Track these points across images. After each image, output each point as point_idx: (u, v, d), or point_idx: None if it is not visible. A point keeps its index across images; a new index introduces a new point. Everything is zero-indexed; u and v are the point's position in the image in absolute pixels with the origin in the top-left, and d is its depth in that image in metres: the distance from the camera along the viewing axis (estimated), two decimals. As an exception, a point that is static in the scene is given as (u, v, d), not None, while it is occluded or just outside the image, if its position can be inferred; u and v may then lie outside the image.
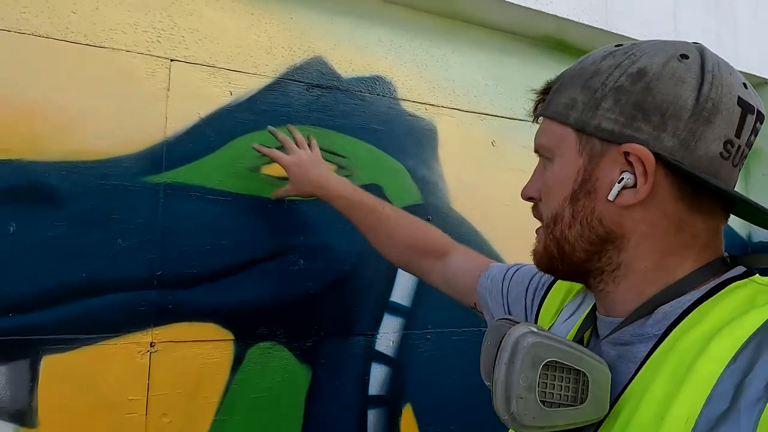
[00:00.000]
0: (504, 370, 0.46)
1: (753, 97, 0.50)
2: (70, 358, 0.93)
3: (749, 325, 0.44)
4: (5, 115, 0.92)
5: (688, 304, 0.49)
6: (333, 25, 1.24)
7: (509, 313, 0.77)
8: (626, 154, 0.48)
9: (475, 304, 0.86)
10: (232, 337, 1.06)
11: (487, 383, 0.54)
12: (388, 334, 1.22)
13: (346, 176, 1.20)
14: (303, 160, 1.04)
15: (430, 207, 1.30)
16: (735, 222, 1.81)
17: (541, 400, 0.46)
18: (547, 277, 0.74)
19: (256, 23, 1.15)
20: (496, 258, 1.37)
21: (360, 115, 1.24)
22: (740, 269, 0.51)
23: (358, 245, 1.20)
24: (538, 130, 0.57)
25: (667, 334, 0.48)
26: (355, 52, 1.26)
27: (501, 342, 0.49)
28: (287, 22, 1.19)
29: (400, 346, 1.23)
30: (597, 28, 1.47)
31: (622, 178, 0.49)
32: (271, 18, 1.17)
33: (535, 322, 0.71)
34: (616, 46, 0.52)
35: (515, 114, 1.45)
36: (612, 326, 0.52)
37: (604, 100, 0.50)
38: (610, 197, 0.49)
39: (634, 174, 0.48)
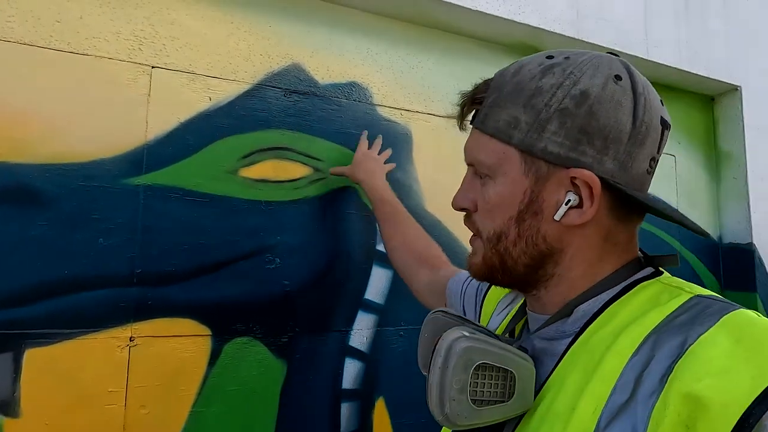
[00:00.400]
0: (438, 373, 0.48)
1: (666, 113, 0.54)
2: (52, 352, 0.98)
3: (649, 322, 0.48)
4: (-9, 120, 0.97)
5: (602, 303, 0.53)
6: (310, 34, 1.28)
7: (464, 312, 0.83)
8: (573, 178, 0.51)
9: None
10: (210, 333, 1.11)
11: (425, 373, 0.57)
12: (362, 331, 1.27)
13: (322, 179, 1.26)
14: (370, 154, 1.24)
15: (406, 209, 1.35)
16: (708, 224, 1.87)
17: (472, 400, 0.48)
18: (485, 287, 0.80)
19: (235, 32, 1.20)
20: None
21: (336, 120, 1.29)
22: (649, 270, 0.55)
23: (332, 245, 1.25)
24: (471, 143, 0.56)
25: (583, 331, 0.52)
26: (332, 59, 1.31)
27: (436, 344, 0.50)
28: (266, 30, 1.23)
29: (373, 342, 1.28)
30: (569, 37, 1.53)
31: (569, 200, 0.51)
32: (249, 26, 1.22)
33: (479, 318, 0.77)
34: (547, 57, 0.53)
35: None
36: (540, 322, 0.57)
37: (549, 123, 0.50)
38: (557, 218, 0.51)
39: (579, 195, 0.51)
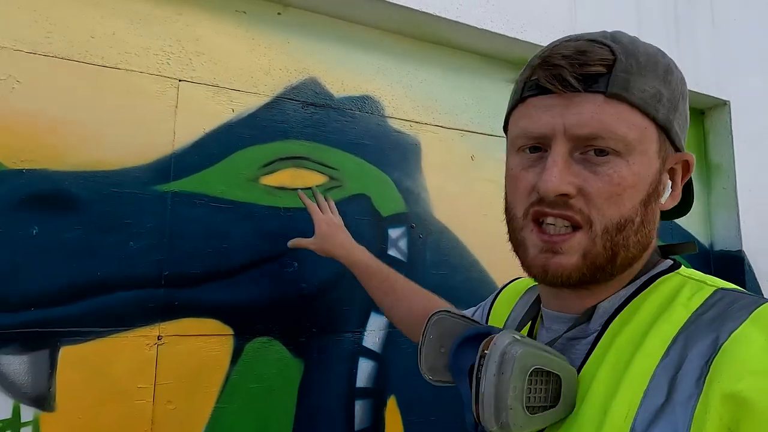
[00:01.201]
0: (494, 381, 0.45)
1: None
2: (86, 349, 1.03)
3: (677, 319, 0.46)
4: (31, 129, 1.03)
5: (622, 299, 0.51)
6: (327, 50, 1.36)
7: None
8: (685, 162, 0.51)
9: None
10: (232, 333, 1.16)
11: (429, 377, 0.56)
12: (374, 332, 1.33)
13: (337, 187, 1.32)
14: (334, 222, 1.13)
15: (413, 215, 1.42)
16: (699, 232, 1.95)
17: (527, 407, 0.45)
18: (492, 297, 0.78)
19: (257, 47, 1.27)
20: (474, 262, 1.50)
21: (350, 131, 1.36)
22: (668, 262, 0.54)
23: (347, 250, 1.31)
24: (598, 112, 0.46)
25: (605, 330, 0.50)
26: (346, 74, 1.38)
27: (482, 352, 0.47)
28: (285, 46, 1.31)
29: (385, 342, 1.34)
30: (567, 54, 1.61)
31: (669, 184, 0.51)
32: (270, 42, 1.29)
33: (486, 321, 0.75)
34: (631, 37, 0.52)
35: (493, 131, 1.58)
36: (559, 320, 0.55)
37: (680, 103, 0.49)
38: (663, 201, 0.50)
39: (671, 179, 0.51)
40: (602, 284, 0.51)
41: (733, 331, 0.42)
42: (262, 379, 1.18)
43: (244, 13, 1.26)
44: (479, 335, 0.52)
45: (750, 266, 1.97)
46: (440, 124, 1.50)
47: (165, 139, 1.14)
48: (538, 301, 0.60)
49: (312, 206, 1.14)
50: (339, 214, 1.19)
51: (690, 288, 0.49)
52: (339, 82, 1.37)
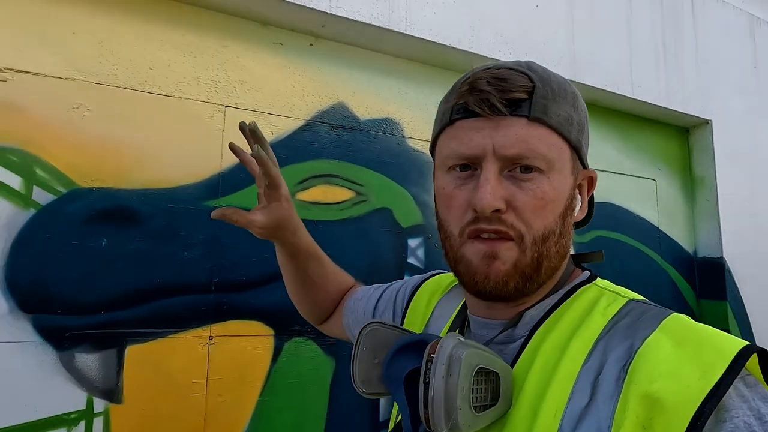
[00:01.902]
0: (443, 383, 0.46)
1: None
2: (148, 348, 1.15)
3: (595, 326, 0.51)
4: (99, 151, 1.15)
5: (548, 307, 0.55)
6: (353, 76, 1.50)
7: None
8: (590, 178, 0.56)
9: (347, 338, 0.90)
10: (273, 333, 1.29)
11: (363, 390, 0.57)
12: (395, 332, 1.47)
13: (363, 201, 1.46)
14: (289, 198, 0.90)
15: (429, 227, 1.57)
16: (685, 240, 2.13)
17: (474, 406, 0.47)
18: (413, 285, 0.77)
19: (292, 75, 1.41)
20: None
21: (374, 151, 1.50)
22: (586, 273, 0.59)
23: (371, 258, 1.45)
24: (523, 133, 0.50)
25: (532, 335, 0.54)
26: (370, 98, 1.52)
27: (428, 356, 0.48)
28: (316, 74, 1.44)
29: (405, 342, 1.48)
30: (568, 79, 1.77)
31: (580, 197, 0.55)
32: (303, 71, 1.42)
33: (402, 323, 0.75)
34: (541, 66, 0.56)
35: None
36: (487, 326, 0.57)
37: (585, 126, 0.55)
38: (575, 214, 0.55)
39: (581, 194, 0.56)
40: (530, 294, 0.55)
41: (646, 338, 0.47)
42: (299, 375, 1.31)
43: (281, 44, 1.40)
44: (415, 343, 0.53)
45: (730, 272, 2.15)
46: (453, 144, 1.65)
47: (214, 159, 1.27)
48: (464, 307, 0.63)
49: (265, 161, 0.82)
50: (361, 226, 1.31)
51: (606, 298, 0.54)
52: (364, 106, 1.51)
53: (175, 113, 1.24)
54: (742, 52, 2.36)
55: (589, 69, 1.84)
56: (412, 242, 1.53)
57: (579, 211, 0.57)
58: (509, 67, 0.54)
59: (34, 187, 1.09)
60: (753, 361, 0.45)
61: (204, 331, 1.22)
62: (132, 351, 1.14)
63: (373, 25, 1.41)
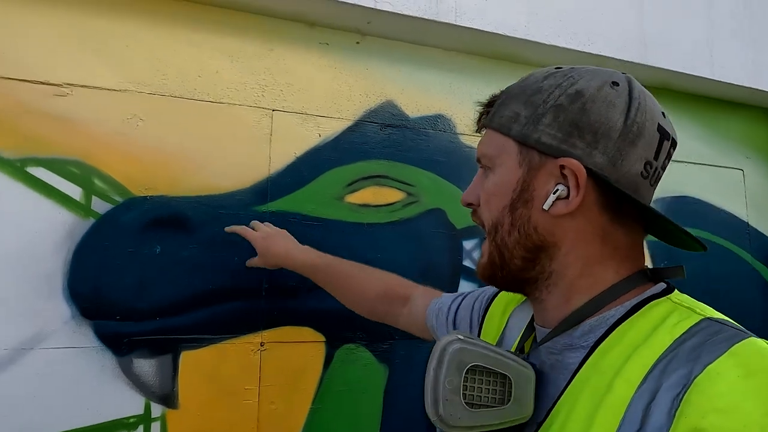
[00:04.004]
0: (432, 374, 0.49)
1: (669, 126, 0.56)
2: (201, 354, 1.16)
3: (658, 346, 0.47)
4: (152, 160, 1.17)
5: (613, 320, 0.52)
6: (401, 73, 1.44)
7: None
8: (562, 167, 0.52)
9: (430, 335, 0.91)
10: (324, 339, 1.27)
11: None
12: (451, 339, 1.40)
13: (414, 202, 1.41)
14: (270, 234, 1.12)
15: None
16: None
17: (466, 402, 0.49)
18: (490, 295, 0.77)
19: (339, 75, 1.38)
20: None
21: (425, 149, 1.44)
22: (661, 286, 0.54)
23: (424, 261, 1.40)
24: (481, 141, 0.60)
25: (594, 349, 0.51)
26: (420, 94, 1.46)
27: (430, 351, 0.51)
28: (363, 72, 1.40)
29: (462, 349, 1.40)
30: (636, 63, 1.62)
31: (557, 190, 0.52)
32: (350, 70, 1.39)
33: (479, 333, 0.74)
34: (556, 68, 0.56)
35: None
36: (541, 333, 0.56)
37: (544, 116, 0.53)
38: (545, 207, 0.52)
39: (567, 186, 0.52)
40: (534, 288, 0.57)
41: (708, 365, 0.43)
42: (350, 383, 1.28)
43: (327, 44, 1.37)
44: None
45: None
46: (509, 138, 1.55)
47: (262, 164, 1.27)
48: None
49: (243, 229, 1.14)
50: (413, 228, 1.26)
51: (678, 314, 0.50)
52: (413, 103, 1.45)
53: (223, 119, 1.25)
54: None
55: (662, 51, 1.67)
56: (467, 244, 1.45)
57: (561, 204, 0.53)
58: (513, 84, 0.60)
59: (93, 197, 1.12)
60: None
61: (255, 338, 1.21)
62: (186, 357, 1.15)
63: (420, 18, 1.35)
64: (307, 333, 1.25)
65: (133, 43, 1.19)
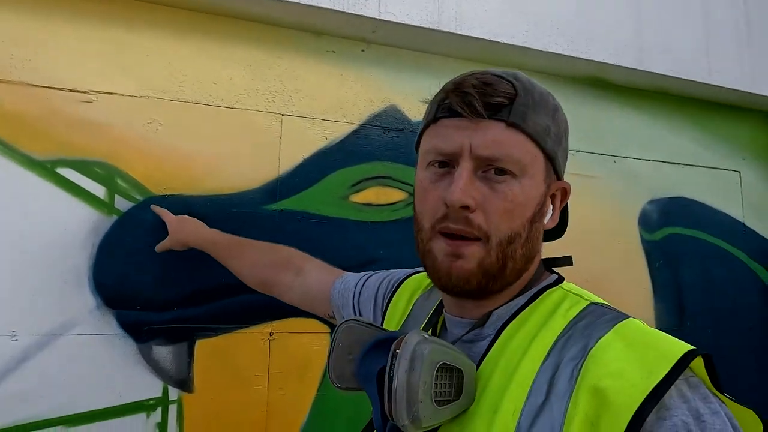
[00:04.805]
0: (405, 377, 0.48)
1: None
2: (215, 343, 1.25)
3: (556, 327, 0.53)
4: (170, 162, 1.26)
5: (516, 308, 0.57)
6: (404, 80, 1.52)
7: (359, 314, 0.82)
8: (564, 189, 0.59)
9: (327, 315, 0.94)
10: (329, 330, 1.35)
11: (338, 384, 0.60)
12: (450, 332, 1.47)
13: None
14: (184, 217, 1.20)
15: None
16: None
17: (436, 401, 0.49)
18: (396, 280, 0.80)
19: (345, 82, 1.45)
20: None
21: (426, 152, 1.51)
22: (554, 277, 0.60)
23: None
24: (499, 137, 0.53)
25: (499, 335, 0.56)
26: (420, 99, 1.53)
27: (393, 351, 0.50)
28: (368, 79, 1.48)
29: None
30: (633, 68, 1.68)
31: (552, 207, 0.58)
32: (356, 77, 1.47)
33: (383, 319, 0.77)
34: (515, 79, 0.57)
35: (559, 145, 1.68)
36: (460, 326, 0.59)
37: (563, 139, 0.58)
38: (547, 222, 0.58)
39: (552, 203, 0.59)
40: (497, 294, 0.57)
41: (599, 338, 0.49)
42: (354, 372, 1.35)
43: (334, 52, 1.45)
44: (387, 340, 0.55)
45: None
46: (508, 141, 1.62)
47: (272, 165, 1.35)
48: (440, 306, 0.65)
49: (163, 211, 1.20)
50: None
51: (569, 300, 0.56)
52: (415, 108, 1.52)
53: (236, 123, 1.33)
54: None
55: (659, 57, 1.72)
56: (467, 242, 1.52)
57: (550, 220, 0.59)
58: (496, 73, 0.56)
59: (116, 195, 1.21)
60: (699, 364, 0.47)
61: (265, 328, 1.29)
62: (201, 345, 1.24)
63: (422, 27, 1.42)
64: (313, 324, 1.33)
65: (153, 53, 1.27)
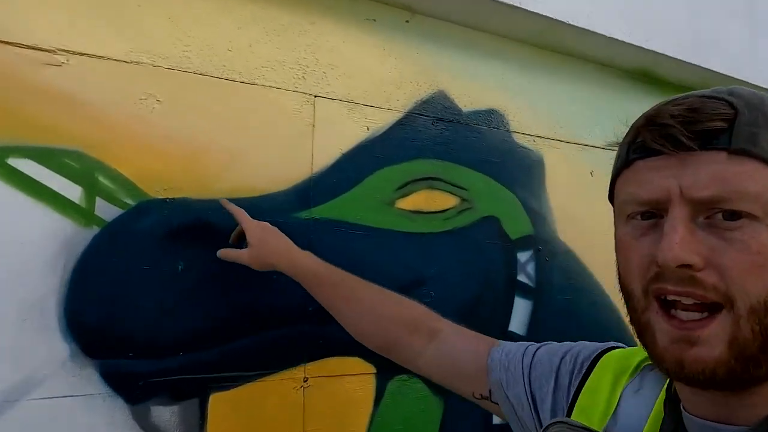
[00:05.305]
0: None
1: None
2: (234, 396, 0.94)
3: None
4: (171, 153, 0.93)
5: None
6: (452, 59, 1.26)
7: (531, 393, 0.65)
8: None
9: (477, 394, 0.72)
10: (374, 371, 1.08)
11: None
12: (506, 363, 1.25)
13: (468, 209, 1.23)
14: (268, 227, 0.91)
15: (539, 237, 1.33)
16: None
17: None
18: (585, 357, 0.63)
19: (387, 58, 1.17)
20: (596, 285, 1.41)
21: (478, 148, 1.27)
22: None
23: (479, 276, 1.23)
24: (720, 172, 0.41)
25: None
26: (471, 85, 1.28)
27: None
28: (414, 57, 1.21)
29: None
30: (687, 62, 1.52)
31: None
32: (400, 53, 1.19)
33: (570, 407, 0.61)
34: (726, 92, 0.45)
35: (609, 144, 1.49)
36: None
37: None
38: None
39: None
40: (765, 382, 0.42)
41: None
42: (405, 419, 1.10)
43: (374, 20, 1.16)
44: None
45: None
46: (561, 139, 1.41)
47: (304, 161, 1.05)
48: (671, 398, 0.49)
49: (239, 211, 0.91)
50: (468, 238, 1.09)
51: None
52: (465, 95, 1.27)
53: (258, 105, 1.02)
54: None
55: (712, 52, 1.58)
56: (522, 256, 1.30)
57: None
58: (703, 95, 0.44)
59: (97, 198, 0.87)
60: None
61: (298, 372, 1.00)
62: (216, 400, 0.93)
63: (482, -3, 1.17)
64: (356, 364, 1.06)
65: (148, 3, 0.93)
